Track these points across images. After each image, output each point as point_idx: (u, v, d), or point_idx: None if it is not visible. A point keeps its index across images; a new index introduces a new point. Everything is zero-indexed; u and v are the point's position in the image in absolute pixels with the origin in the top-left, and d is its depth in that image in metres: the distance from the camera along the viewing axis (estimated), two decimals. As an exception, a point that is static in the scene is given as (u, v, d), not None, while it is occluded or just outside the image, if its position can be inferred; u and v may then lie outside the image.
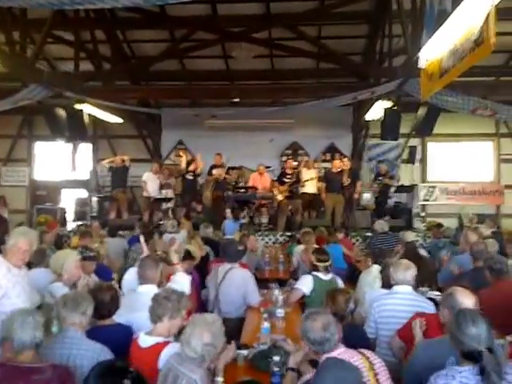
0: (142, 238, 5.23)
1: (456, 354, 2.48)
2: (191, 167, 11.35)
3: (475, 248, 4.86)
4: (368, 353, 2.80)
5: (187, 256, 5.12)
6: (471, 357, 2.32)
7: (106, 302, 3.30)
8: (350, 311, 3.46)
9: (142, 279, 3.92)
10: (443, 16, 4.77)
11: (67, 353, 2.82)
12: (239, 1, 10.06)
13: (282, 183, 11.08)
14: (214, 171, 11.40)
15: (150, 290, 3.69)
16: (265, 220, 11.05)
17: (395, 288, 3.93)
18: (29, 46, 9.15)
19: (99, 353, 2.86)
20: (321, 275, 4.76)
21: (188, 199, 11.42)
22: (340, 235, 8.62)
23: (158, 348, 2.89)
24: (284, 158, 13.80)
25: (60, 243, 6.84)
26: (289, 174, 11.19)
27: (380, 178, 11.65)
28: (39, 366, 2.52)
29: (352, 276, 6.63)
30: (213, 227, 8.19)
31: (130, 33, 11.54)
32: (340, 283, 4.86)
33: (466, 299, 2.98)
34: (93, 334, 3.09)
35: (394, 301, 3.84)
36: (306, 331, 2.66)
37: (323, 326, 2.62)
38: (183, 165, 11.45)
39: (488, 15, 3.79)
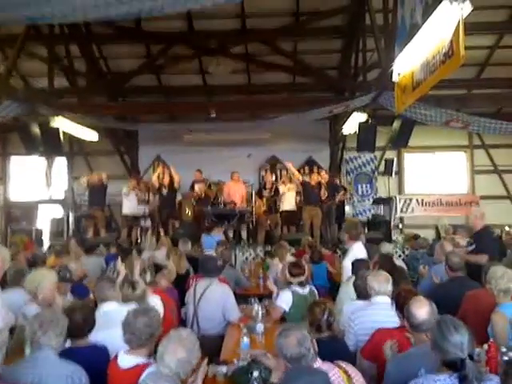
0: (119, 260, 5.16)
1: (426, 365, 2.47)
2: (164, 181, 11.24)
3: (451, 259, 4.89)
4: (345, 365, 2.77)
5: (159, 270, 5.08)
6: (453, 365, 2.31)
7: (79, 321, 3.21)
8: (327, 322, 3.43)
9: (102, 300, 3.90)
10: (414, 30, 4.87)
11: (39, 373, 2.74)
12: (215, 16, 10.10)
13: (261, 197, 11.08)
14: (196, 187, 11.33)
15: (111, 307, 3.74)
16: (244, 235, 11.00)
17: (374, 299, 3.93)
18: (2, 63, 9.03)
19: (73, 372, 2.80)
20: (298, 289, 4.73)
21: (165, 215, 11.30)
22: (327, 252, 8.57)
23: (138, 369, 2.81)
24: (263, 173, 13.83)
25: (33, 263, 6.66)
26: (267, 188, 11.20)
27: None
28: None
29: (333, 291, 6.59)
30: (192, 243, 8.13)
31: (105, 48, 11.50)
32: (317, 295, 4.86)
33: (419, 309, 2.96)
34: (67, 354, 3.01)
35: (373, 312, 3.83)
36: (281, 348, 2.61)
37: (298, 342, 2.58)
38: (154, 180, 11.35)
39: (457, 29, 3.88)
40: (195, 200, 11.29)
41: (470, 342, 2.34)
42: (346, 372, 2.70)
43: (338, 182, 12.24)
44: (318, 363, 2.67)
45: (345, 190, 12.27)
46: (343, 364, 2.77)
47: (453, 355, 2.31)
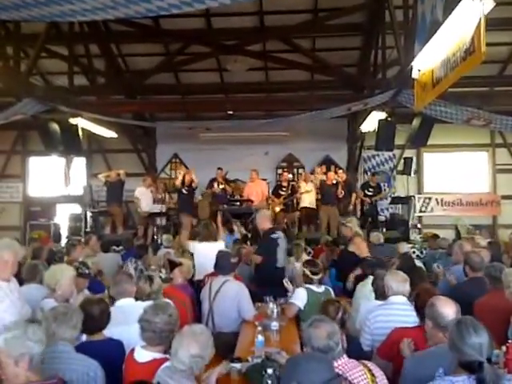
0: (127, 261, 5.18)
1: (444, 365, 2.42)
2: (186, 180, 11.25)
3: (472, 258, 4.81)
4: (370, 364, 2.76)
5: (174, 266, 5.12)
6: (470, 367, 2.26)
7: (94, 316, 3.24)
8: (341, 320, 3.41)
9: (119, 295, 3.91)
10: (435, 27, 4.79)
11: (56, 368, 2.75)
12: (233, 14, 10.09)
13: (278, 196, 11.04)
14: (214, 184, 11.32)
15: (127, 303, 3.77)
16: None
17: (391, 299, 3.89)
18: (22, 61, 9.12)
19: (89, 367, 2.83)
20: (314, 288, 4.71)
21: (183, 213, 11.29)
22: None
23: (155, 364, 2.83)
24: (279, 171, 13.79)
25: (51, 259, 6.72)
26: (284, 187, 11.16)
27: (370, 189, 11.58)
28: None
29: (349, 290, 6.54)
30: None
31: (124, 46, 11.57)
32: (333, 294, 4.83)
33: (447, 309, 2.94)
34: (83, 348, 3.03)
35: (389, 311, 3.80)
36: (310, 338, 2.60)
37: (328, 334, 2.57)
38: (178, 182, 11.32)
39: (479, 25, 3.80)
40: (211, 196, 11.18)
41: (489, 345, 2.29)
42: (370, 371, 2.68)
43: (374, 182, 11.90)
44: (344, 359, 2.66)
45: (380, 190, 11.89)
46: (368, 363, 2.76)
47: (470, 357, 2.26)
